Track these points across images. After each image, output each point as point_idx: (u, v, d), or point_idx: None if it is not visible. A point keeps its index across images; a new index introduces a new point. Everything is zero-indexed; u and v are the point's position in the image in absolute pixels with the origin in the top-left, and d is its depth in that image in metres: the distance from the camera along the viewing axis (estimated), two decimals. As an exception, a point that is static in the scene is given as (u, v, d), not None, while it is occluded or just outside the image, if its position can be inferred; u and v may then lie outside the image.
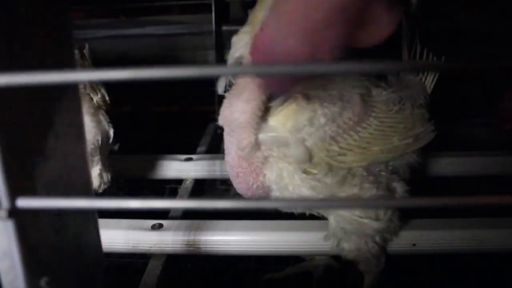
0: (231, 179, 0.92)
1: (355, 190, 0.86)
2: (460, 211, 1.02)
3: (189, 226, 1.06)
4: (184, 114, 1.88)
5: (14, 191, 0.45)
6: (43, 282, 0.52)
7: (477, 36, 1.76)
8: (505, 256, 1.03)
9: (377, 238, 0.91)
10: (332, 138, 0.82)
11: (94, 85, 0.89)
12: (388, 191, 0.90)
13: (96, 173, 0.99)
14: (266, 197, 0.91)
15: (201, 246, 1.03)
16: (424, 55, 1.09)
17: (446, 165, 1.32)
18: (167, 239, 1.04)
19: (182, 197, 1.32)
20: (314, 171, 0.83)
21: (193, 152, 1.51)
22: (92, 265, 0.66)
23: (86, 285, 0.65)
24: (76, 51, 0.91)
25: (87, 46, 0.93)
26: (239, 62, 0.82)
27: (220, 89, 0.87)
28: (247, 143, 0.83)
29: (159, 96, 1.86)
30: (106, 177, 1.03)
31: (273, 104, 0.84)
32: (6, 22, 0.48)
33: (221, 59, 1.86)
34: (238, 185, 0.91)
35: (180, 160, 1.42)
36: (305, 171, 0.84)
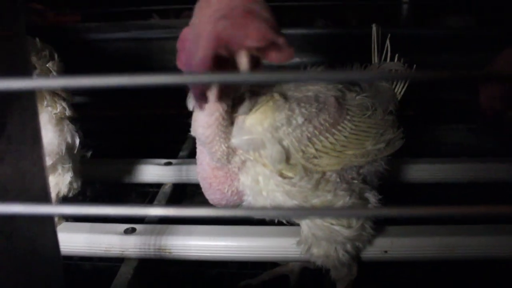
0: (203, 190, 0.90)
1: (328, 197, 0.85)
2: (432, 218, 1.02)
3: (162, 231, 1.05)
4: (169, 117, 1.88)
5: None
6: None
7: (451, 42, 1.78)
8: (477, 264, 1.03)
9: (348, 246, 0.90)
10: (309, 139, 0.81)
11: (55, 98, 0.89)
12: (361, 200, 0.89)
13: (67, 181, 0.99)
14: (239, 203, 0.91)
15: (173, 251, 1.03)
16: (395, 59, 1.09)
17: (415, 172, 1.32)
18: (139, 244, 1.04)
19: (159, 202, 1.32)
20: (290, 174, 0.82)
21: (175, 156, 1.51)
22: (49, 269, 0.66)
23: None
24: (47, 55, 0.91)
25: (55, 54, 0.92)
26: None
27: (189, 105, 0.82)
28: (221, 153, 0.81)
29: (145, 99, 1.85)
30: (77, 184, 1.03)
31: (242, 108, 0.81)
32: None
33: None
34: (211, 196, 0.89)
35: (160, 164, 1.42)
36: (281, 174, 0.82)
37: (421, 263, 1.06)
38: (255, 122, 0.79)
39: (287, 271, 1.12)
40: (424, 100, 1.66)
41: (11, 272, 0.57)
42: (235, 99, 0.79)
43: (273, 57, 0.62)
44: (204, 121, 0.78)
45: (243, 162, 0.83)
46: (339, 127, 0.84)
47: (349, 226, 0.88)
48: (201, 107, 0.72)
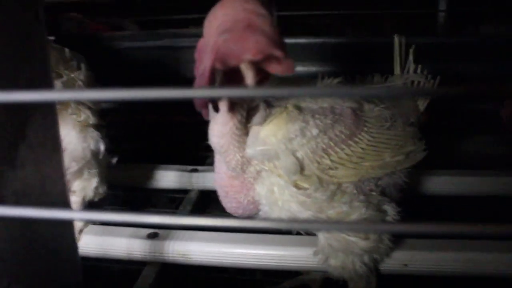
0: (220, 198, 0.92)
1: (344, 208, 0.85)
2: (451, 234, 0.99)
3: (183, 236, 1.08)
4: (196, 124, 1.91)
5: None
6: (5, 283, 0.56)
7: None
8: (499, 280, 1.00)
9: (366, 258, 0.90)
10: (324, 150, 0.82)
11: (80, 106, 0.93)
12: (379, 212, 0.89)
13: (93, 186, 1.03)
14: (256, 212, 0.92)
15: (192, 256, 1.05)
16: (418, 70, 1.07)
17: (436, 184, 1.29)
18: (161, 248, 1.07)
19: (184, 208, 1.35)
20: (305, 185, 0.83)
21: (202, 163, 1.54)
22: (68, 270, 0.69)
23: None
24: (75, 64, 0.96)
25: (83, 65, 0.96)
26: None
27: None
28: (235, 163, 0.83)
29: (173, 106, 1.89)
30: (102, 188, 1.07)
31: (256, 119, 0.83)
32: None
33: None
34: (228, 204, 0.91)
35: (186, 170, 1.45)
36: (296, 185, 0.83)
37: (442, 278, 1.03)
38: (269, 133, 0.80)
39: (309, 280, 1.12)
40: (448, 110, 1.62)
41: (32, 273, 0.61)
42: (250, 109, 0.81)
43: (274, 69, 0.63)
44: (219, 130, 0.79)
45: (258, 172, 0.84)
46: (356, 139, 0.84)
47: (366, 238, 0.88)
48: (205, 115, 0.75)
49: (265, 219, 0.89)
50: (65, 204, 0.66)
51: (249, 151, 0.81)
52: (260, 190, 0.85)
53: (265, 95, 0.69)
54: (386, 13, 3.20)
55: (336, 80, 0.91)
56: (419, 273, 0.99)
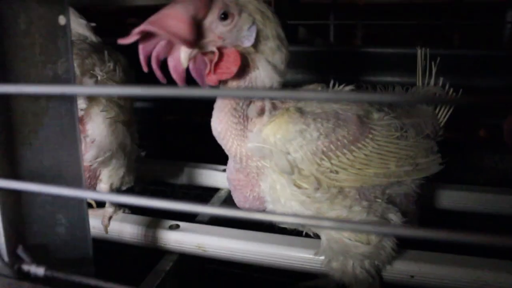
0: (231, 192, 0.98)
1: (344, 212, 0.87)
2: (463, 248, 0.98)
3: (200, 230, 1.15)
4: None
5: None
6: (19, 249, 0.65)
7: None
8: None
9: (366, 263, 0.91)
10: (324, 153, 0.84)
11: (111, 104, 1.02)
12: (383, 219, 0.89)
13: (120, 175, 1.13)
14: (262, 209, 0.96)
15: (207, 249, 1.12)
16: (439, 83, 1.07)
17: (449, 198, 1.27)
18: (180, 240, 1.14)
19: (213, 205, 1.42)
20: (305, 185, 0.85)
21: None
22: (80, 247, 0.77)
23: (75, 263, 0.77)
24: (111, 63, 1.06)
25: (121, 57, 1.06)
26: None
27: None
28: (235, 152, 0.87)
29: (207, 106, 1.98)
30: (129, 178, 1.17)
31: (250, 111, 0.87)
32: (7, 36, 0.62)
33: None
34: (236, 198, 0.96)
35: (218, 170, 1.52)
36: (296, 184, 0.86)
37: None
38: (270, 132, 0.84)
39: (322, 283, 1.14)
40: (470, 124, 1.57)
41: (46, 246, 0.70)
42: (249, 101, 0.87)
43: None
44: (216, 116, 0.86)
45: (261, 168, 0.88)
46: (359, 145, 0.86)
47: (367, 243, 0.89)
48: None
49: (271, 212, 0.92)
50: (78, 185, 0.74)
51: (250, 145, 0.86)
52: (265, 187, 0.89)
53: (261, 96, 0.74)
54: (455, 25, 3.14)
55: (347, 88, 0.94)
56: (426, 286, 0.98)
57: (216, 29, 0.79)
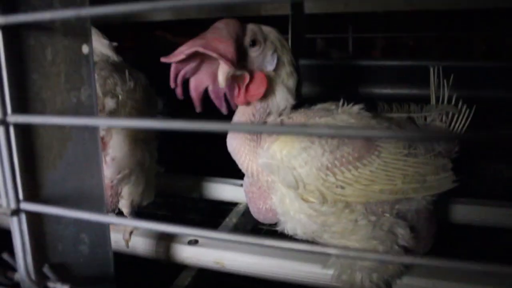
0: (248, 204, 1.02)
1: (350, 225, 0.89)
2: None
3: (219, 245, 1.17)
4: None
5: (19, 196, 0.62)
6: (45, 267, 0.69)
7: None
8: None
9: (374, 277, 0.92)
10: (328, 168, 0.87)
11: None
12: (390, 234, 0.91)
13: (140, 191, 1.17)
14: (275, 221, 0.98)
15: (226, 264, 1.14)
16: (452, 101, 1.07)
17: (464, 213, 1.27)
18: (199, 255, 1.17)
19: (231, 219, 1.45)
20: (311, 199, 0.88)
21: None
22: (102, 265, 0.81)
23: (97, 280, 0.80)
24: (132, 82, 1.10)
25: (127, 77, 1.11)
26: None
27: None
28: (246, 167, 0.93)
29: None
30: (149, 194, 1.21)
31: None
32: (36, 67, 0.66)
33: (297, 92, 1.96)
34: (252, 209, 1.00)
35: (237, 185, 1.55)
36: (303, 198, 0.89)
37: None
38: (277, 149, 0.89)
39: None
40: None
41: (77, 269, 0.74)
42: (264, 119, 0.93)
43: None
44: (232, 133, 0.91)
45: (271, 183, 0.92)
46: (365, 161, 0.88)
47: None
48: (222, 109, 0.91)
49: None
50: (100, 208, 0.77)
51: (260, 161, 0.91)
52: (275, 200, 0.93)
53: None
54: (476, 36, 3.12)
55: (356, 107, 0.96)
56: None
57: (247, 54, 0.88)
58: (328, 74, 2.03)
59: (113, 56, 1.29)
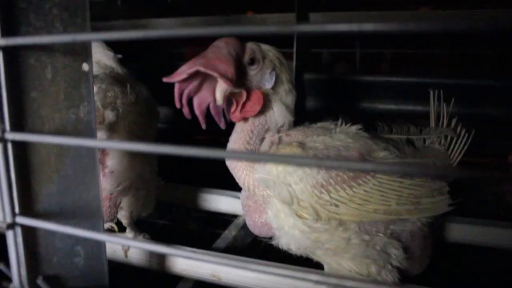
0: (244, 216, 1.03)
1: (343, 243, 0.90)
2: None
3: (215, 258, 1.18)
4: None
5: (15, 210, 0.64)
6: (39, 279, 0.71)
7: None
8: None
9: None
10: (323, 186, 0.88)
11: (129, 135, 1.08)
12: (384, 253, 0.92)
13: (140, 203, 1.19)
14: (271, 235, 1.00)
15: (222, 277, 1.15)
16: (452, 124, 1.08)
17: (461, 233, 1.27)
18: (195, 267, 1.18)
19: (230, 231, 1.46)
20: (305, 215, 0.89)
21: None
22: (97, 277, 0.82)
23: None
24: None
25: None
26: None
27: None
28: (243, 182, 0.95)
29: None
30: (149, 206, 1.23)
31: (270, 150, 0.94)
32: (36, 86, 0.69)
33: (300, 105, 1.98)
34: (248, 222, 1.02)
35: (237, 197, 1.56)
36: (297, 214, 0.90)
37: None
38: (273, 165, 0.90)
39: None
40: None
41: (71, 281, 0.76)
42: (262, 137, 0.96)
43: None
44: (229, 147, 0.94)
45: (266, 197, 0.94)
46: (359, 181, 0.89)
47: (367, 275, 0.92)
48: (221, 124, 0.92)
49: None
50: (97, 222, 0.79)
51: (256, 176, 0.93)
52: (271, 214, 0.95)
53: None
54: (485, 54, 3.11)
55: (354, 127, 0.97)
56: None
57: (245, 73, 0.90)
58: (333, 88, 2.03)
59: (117, 68, 1.31)
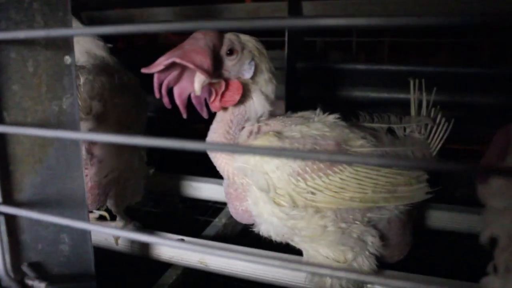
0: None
1: (319, 231, 0.92)
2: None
3: (204, 245, 1.21)
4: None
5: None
6: (24, 265, 0.74)
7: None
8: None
9: (343, 282, 0.95)
10: (299, 174, 0.90)
11: (118, 125, 1.10)
12: (360, 241, 0.94)
13: (129, 192, 1.21)
14: (252, 222, 1.02)
15: (208, 264, 1.18)
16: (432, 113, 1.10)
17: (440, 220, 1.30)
18: (183, 254, 1.21)
19: (220, 219, 1.49)
20: (282, 203, 0.92)
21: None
22: (83, 263, 0.85)
23: (77, 279, 0.85)
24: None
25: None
26: None
27: None
28: (223, 170, 0.97)
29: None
30: (138, 195, 1.25)
31: (249, 139, 0.96)
32: (17, 79, 0.71)
33: (293, 94, 1.99)
34: (230, 209, 1.05)
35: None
36: (275, 201, 0.92)
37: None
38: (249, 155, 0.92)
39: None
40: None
41: (57, 267, 0.79)
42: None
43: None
44: (210, 137, 0.97)
45: (246, 185, 0.96)
46: (336, 169, 0.91)
47: (344, 261, 0.94)
48: (203, 114, 0.96)
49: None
50: (81, 211, 0.82)
51: (235, 164, 0.95)
52: (251, 202, 0.97)
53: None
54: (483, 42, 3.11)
55: (331, 117, 0.99)
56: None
57: (224, 63, 0.92)
58: (325, 76, 2.04)
59: (108, 58, 1.32)
